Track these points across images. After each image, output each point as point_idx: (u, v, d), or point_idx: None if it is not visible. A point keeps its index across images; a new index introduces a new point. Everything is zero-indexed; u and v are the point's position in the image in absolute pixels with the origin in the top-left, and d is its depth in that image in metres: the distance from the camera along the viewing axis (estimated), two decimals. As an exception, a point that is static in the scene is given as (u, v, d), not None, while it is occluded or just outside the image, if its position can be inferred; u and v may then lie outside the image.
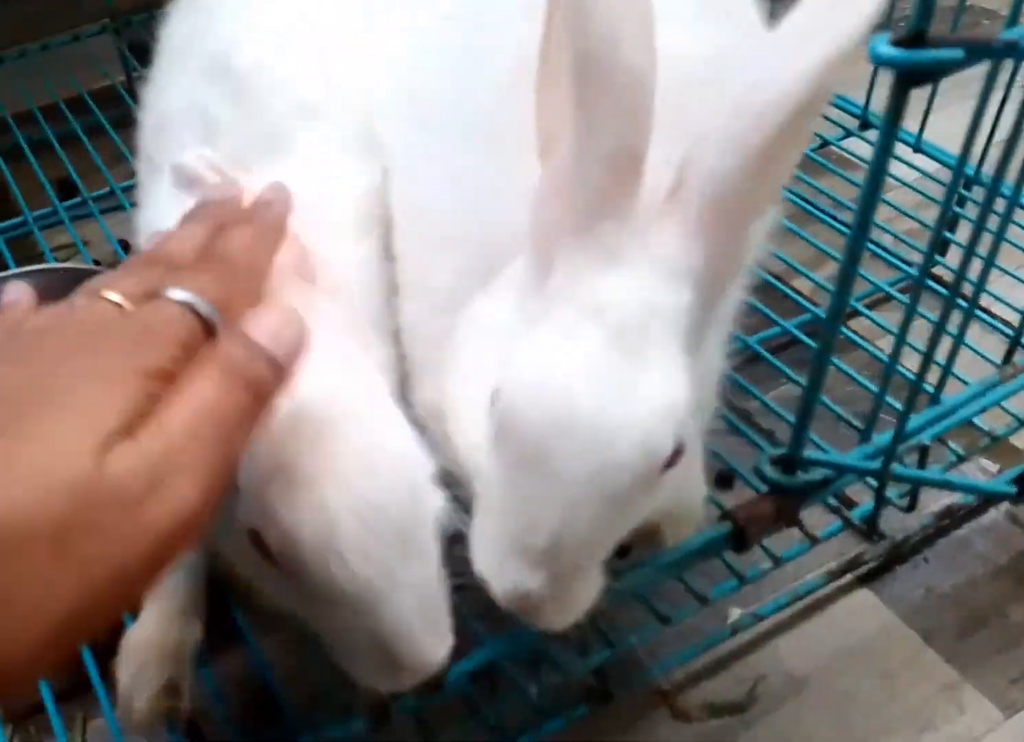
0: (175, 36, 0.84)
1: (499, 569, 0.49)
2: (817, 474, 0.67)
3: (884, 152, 0.51)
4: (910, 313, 0.62)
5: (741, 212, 0.50)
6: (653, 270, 0.49)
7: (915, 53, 0.47)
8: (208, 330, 0.44)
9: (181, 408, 0.39)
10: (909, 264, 1.07)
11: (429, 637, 0.50)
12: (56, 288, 0.86)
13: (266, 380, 0.43)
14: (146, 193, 0.79)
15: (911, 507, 0.79)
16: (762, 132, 0.47)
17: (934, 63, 0.47)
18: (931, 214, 1.13)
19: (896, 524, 0.88)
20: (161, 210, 0.68)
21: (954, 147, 0.56)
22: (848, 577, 0.87)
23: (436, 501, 0.51)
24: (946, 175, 1.12)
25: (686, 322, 0.50)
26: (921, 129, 1.10)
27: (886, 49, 0.47)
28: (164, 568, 0.37)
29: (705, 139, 0.49)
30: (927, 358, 0.64)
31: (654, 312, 0.49)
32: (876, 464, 0.67)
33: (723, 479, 0.90)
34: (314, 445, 0.48)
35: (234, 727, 0.70)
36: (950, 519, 0.90)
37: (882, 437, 0.69)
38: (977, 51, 0.47)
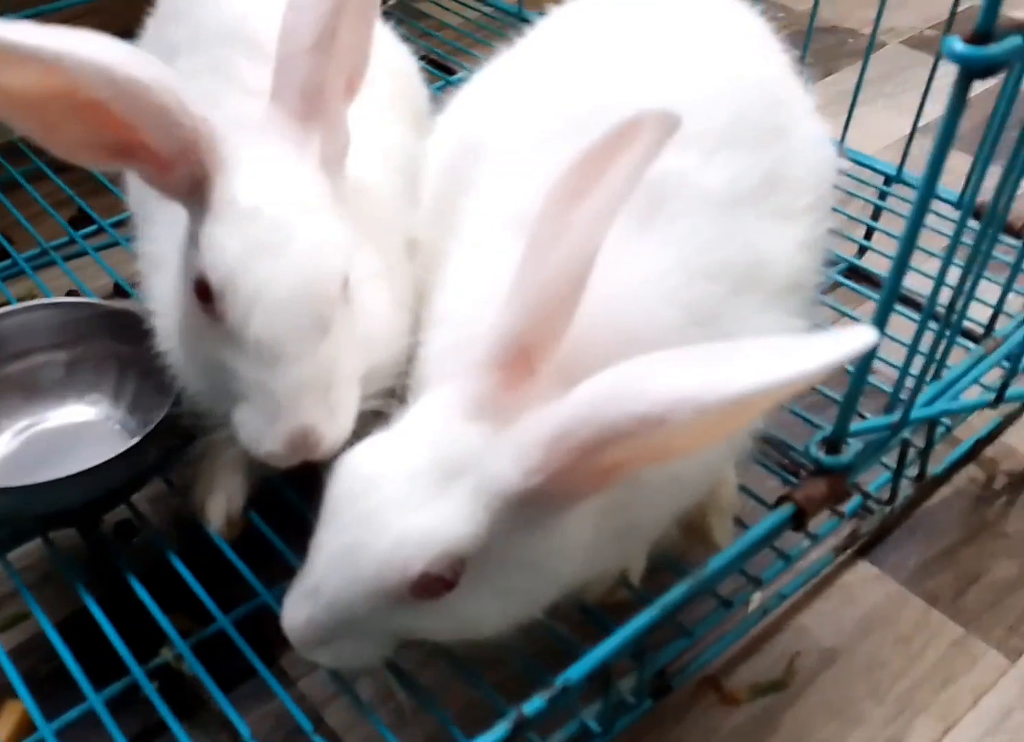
0: None
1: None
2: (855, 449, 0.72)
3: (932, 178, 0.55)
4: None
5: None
6: (499, 448, 0.54)
7: (983, 49, 0.52)
8: None
9: None
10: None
11: (314, 407, 0.62)
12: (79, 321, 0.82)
13: None
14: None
15: (921, 476, 0.85)
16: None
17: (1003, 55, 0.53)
18: (852, 208, 1.21)
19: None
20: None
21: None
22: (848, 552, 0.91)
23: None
24: (858, 172, 1.21)
25: (508, 490, 0.53)
26: (844, 131, 1.17)
27: (960, 47, 0.52)
28: None
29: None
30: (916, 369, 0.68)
31: (475, 470, 0.54)
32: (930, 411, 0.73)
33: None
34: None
35: None
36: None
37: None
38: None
